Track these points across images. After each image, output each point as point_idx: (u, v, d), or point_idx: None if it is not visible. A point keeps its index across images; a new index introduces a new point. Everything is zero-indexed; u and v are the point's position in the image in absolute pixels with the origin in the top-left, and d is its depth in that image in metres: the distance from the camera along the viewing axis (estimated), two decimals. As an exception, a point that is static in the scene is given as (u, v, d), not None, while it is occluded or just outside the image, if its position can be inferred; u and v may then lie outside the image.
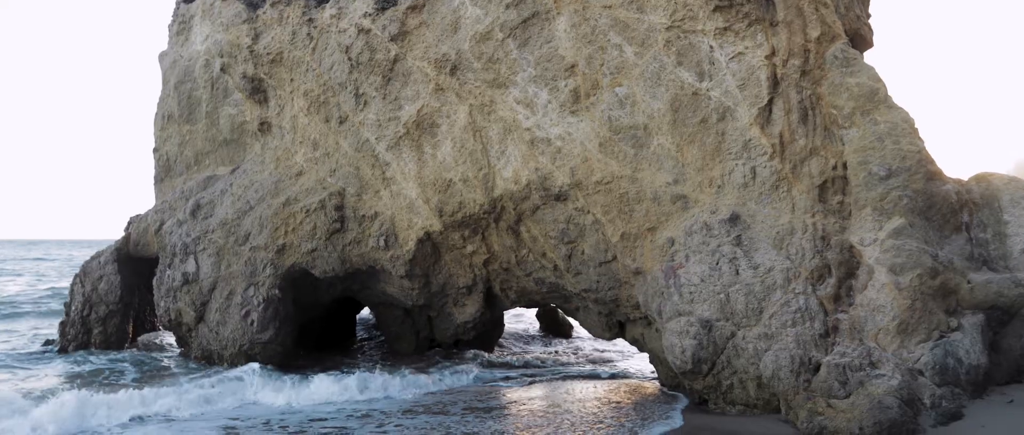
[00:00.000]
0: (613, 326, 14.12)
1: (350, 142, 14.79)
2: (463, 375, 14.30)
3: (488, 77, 13.10)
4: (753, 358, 10.05)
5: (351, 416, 11.35)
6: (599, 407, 11.80)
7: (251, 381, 12.65)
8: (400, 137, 14.14)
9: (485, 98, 13.19)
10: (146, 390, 11.80)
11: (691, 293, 10.68)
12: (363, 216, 14.63)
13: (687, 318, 10.59)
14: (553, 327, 20.56)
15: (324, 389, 12.51)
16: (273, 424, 10.83)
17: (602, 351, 17.91)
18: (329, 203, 14.71)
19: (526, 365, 15.94)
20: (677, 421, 10.70)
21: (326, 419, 11.18)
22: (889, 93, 10.31)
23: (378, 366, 14.83)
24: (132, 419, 10.75)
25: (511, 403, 12.34)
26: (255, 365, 13.78)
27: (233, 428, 10.67)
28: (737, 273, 10.35)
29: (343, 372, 13.97)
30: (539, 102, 12.68)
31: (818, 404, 8.98)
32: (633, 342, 14.05)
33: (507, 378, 14.66)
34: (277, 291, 14.78)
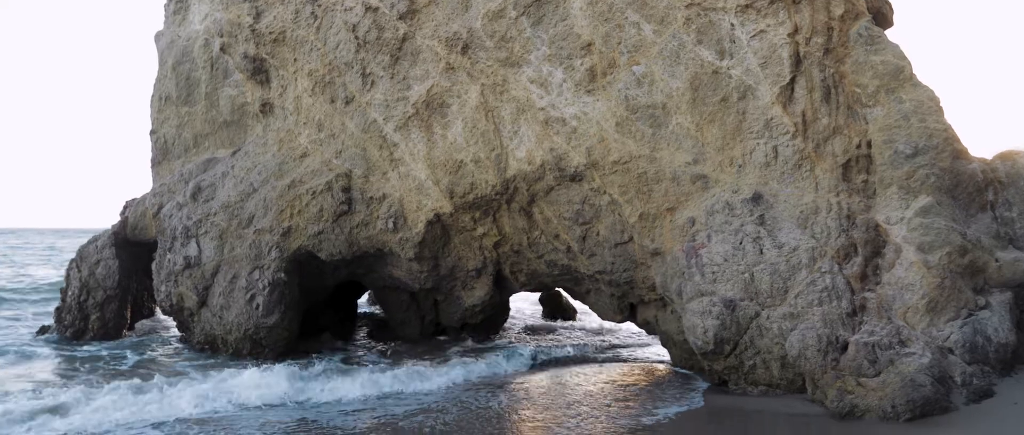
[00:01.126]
0: (624, 309, 14.01)
1: (357, 123, 14.51)
2: (517, 359, 14.12)
3: (501, 56, 12.88)
4: (778, 338, 9.98)
5: (371, 397, 11.20)
6: (616, 389, 11.71)
7: (286, 373, 11.96)
8: (409, 117, 13.89)
9: (497, 77, 12.97)
10: (182, 387, 11.14)
11: (714, 273, 10.57)
12: (371, 198, 14.38)
13: (709, 298, 10.49)
14: (557, 311, 20.44)
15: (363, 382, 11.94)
16: (305, 412, 10.63)
17: (611, 334, 17.80)
18: (336, 185, 14.44)
19: (538, 347, 15.78)
20: (698, 401, 10.63)
21: (341, 401, 11.03)
22: (914, 71, 10.23)
23: (399, 355, 14.55)
24: (178, 419, 9.94)
25: (527, 383, 12.21)
26: (281, 365, 12.92)
27: (259, 408, 10.51)
28: (761, 252, 10.25)
29: (371, 364, 13.61)
30: (554, 81, 12.49)
31: (848, 383, 8.92)
32: (644, 324, 13.94)
33: (535, 359, 14.48)
34: (283, 274, 14.50)
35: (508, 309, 17.70)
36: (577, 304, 20.68)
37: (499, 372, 13.31)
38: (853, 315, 9.52)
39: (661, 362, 14.05)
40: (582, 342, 16.73)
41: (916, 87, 10.09)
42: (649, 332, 14.51)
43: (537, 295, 21.61)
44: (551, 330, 18.62)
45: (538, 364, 14.19)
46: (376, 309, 22.27)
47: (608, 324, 18.53)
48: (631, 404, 10.66)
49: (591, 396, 11.23)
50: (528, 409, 10.47)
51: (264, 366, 12.57)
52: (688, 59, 11.37)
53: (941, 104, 10.06)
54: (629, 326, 17.56)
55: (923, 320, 9.13)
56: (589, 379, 12.60)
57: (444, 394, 11.46)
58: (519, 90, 12.78)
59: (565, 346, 16.07)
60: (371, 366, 13.18)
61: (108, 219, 17.55)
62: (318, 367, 13.07)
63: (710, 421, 9.70)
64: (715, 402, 10.46)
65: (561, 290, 20.40)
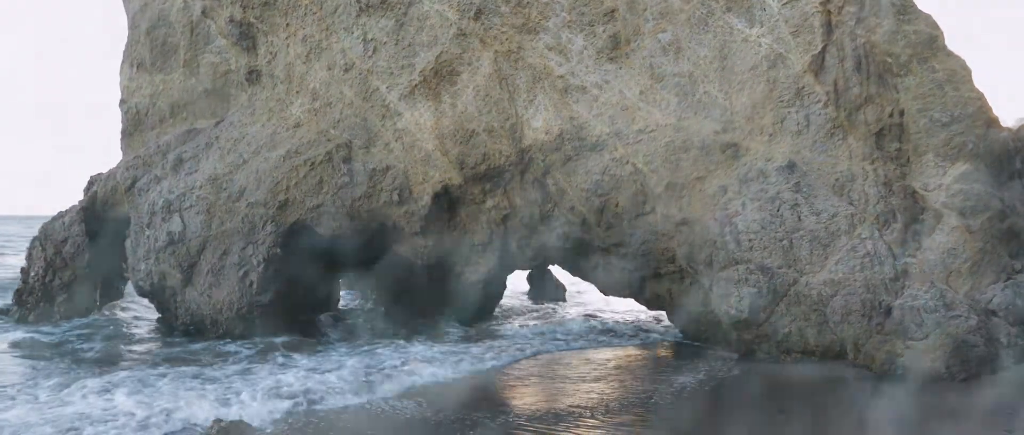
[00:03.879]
0: (634, 283, 13.84)
1: (356, 91, 13.87)
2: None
3: (517, 22, 12.50)
4: (817, 304, 10.00)
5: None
6: (644, 360, 11.59)
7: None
8: (415, 86, 13.35)
9: (512, 44, 12.59)
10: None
11: (750, 241, 10.52)
12: (373, 170, 13.78)
13: (745, 266, 10.44)
14: (547, 290, 20.19)
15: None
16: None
17: (613, 313, 17.54)
18: (336, 155, 13.78)
19: (550, 328, 15.46)
20: (733, 369, 10.56)
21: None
22: (945, 41, 10.38)
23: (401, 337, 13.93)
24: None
25: (560, 361, 11.94)
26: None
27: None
28: (799, 219, 10.25)
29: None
30: (573, 49, 12.20)
31: (896, 346, 9.00)
32: (654, 298, 13.81)
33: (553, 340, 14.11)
34: (278, 250, 13.78)
35: (505, 286, 17.34)
36: (571, 285, 20.49)
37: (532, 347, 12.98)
38: (895, 280, 9.61)
39: (677, 339, 13.92)
40: (592, 320, 16.44)
41: (949, 56, 10.25)
42: (654, 307, 14.43)
43: (523, 274, 21.29)
44: (550, 310, 18.35)
45: (559, 342, 13.79)
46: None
47: (608, 304, 18.37)
48: (662, 373, 10.53)
49: (620, 368, 11.07)
50: (568, 381, 10.22)
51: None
52: (716, 27, 11.26)
53: (971, 73, 10.25)
54: (629, 305, 17.38)
55: (965, 284, 9.30)
56: (610, 352, 12.43)
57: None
58: (536, 58, 12.43)
59: (576, 324, 15.84)
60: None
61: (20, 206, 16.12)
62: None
63: (754, 385, 9.65)
64: (751, 369, 10.43)
65: (551, 268, 20.22)
